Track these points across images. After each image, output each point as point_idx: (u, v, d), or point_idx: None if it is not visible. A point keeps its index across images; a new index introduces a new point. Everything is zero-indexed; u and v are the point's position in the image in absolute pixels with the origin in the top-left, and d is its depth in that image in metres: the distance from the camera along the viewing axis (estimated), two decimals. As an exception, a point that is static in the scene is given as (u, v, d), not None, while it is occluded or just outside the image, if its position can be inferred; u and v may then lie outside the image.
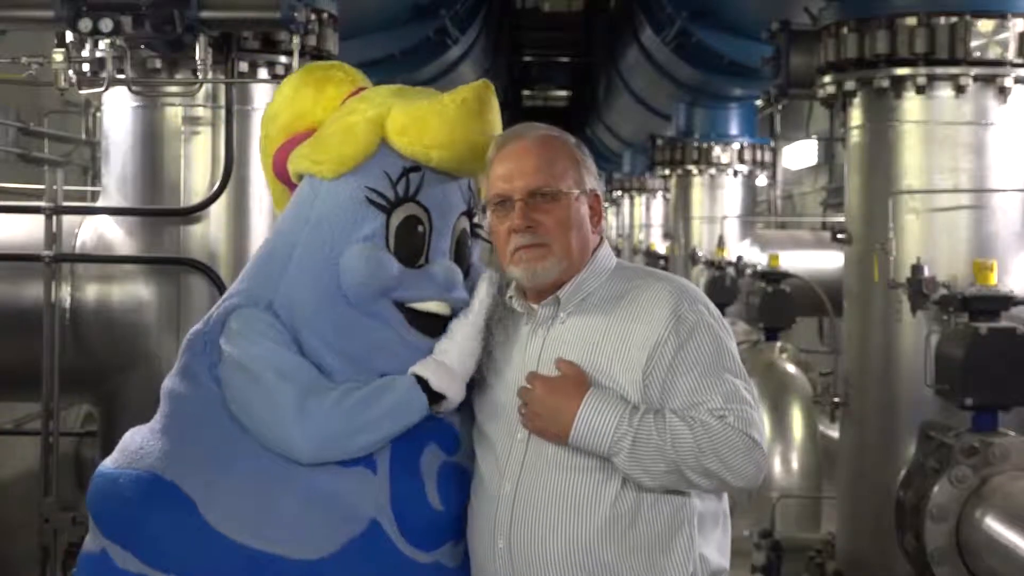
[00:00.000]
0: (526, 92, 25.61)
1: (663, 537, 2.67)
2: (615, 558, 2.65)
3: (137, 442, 2.80)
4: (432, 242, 2.83)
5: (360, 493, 2.69)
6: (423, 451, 2.78)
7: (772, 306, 9.00)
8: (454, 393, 2.76)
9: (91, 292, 5.08)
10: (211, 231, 5.03)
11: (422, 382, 2.73)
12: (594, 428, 2.62)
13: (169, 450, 2.73)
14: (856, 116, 5.71)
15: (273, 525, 2.65)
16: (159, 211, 5.07)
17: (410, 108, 2.81)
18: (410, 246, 2.81)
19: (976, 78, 5.32)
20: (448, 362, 2.76)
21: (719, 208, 11.42)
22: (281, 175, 2.98)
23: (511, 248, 2.76)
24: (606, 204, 16.42)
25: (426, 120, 2.78)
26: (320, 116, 2.91)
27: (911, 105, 5.45)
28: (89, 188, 7.23)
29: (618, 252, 18.64)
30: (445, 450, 2.82)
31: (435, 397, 2.74)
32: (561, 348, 2.73)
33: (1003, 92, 5.34)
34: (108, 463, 2.82)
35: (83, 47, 4.94)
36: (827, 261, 8.94)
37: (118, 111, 5.15)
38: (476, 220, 2.97)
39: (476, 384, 2.87)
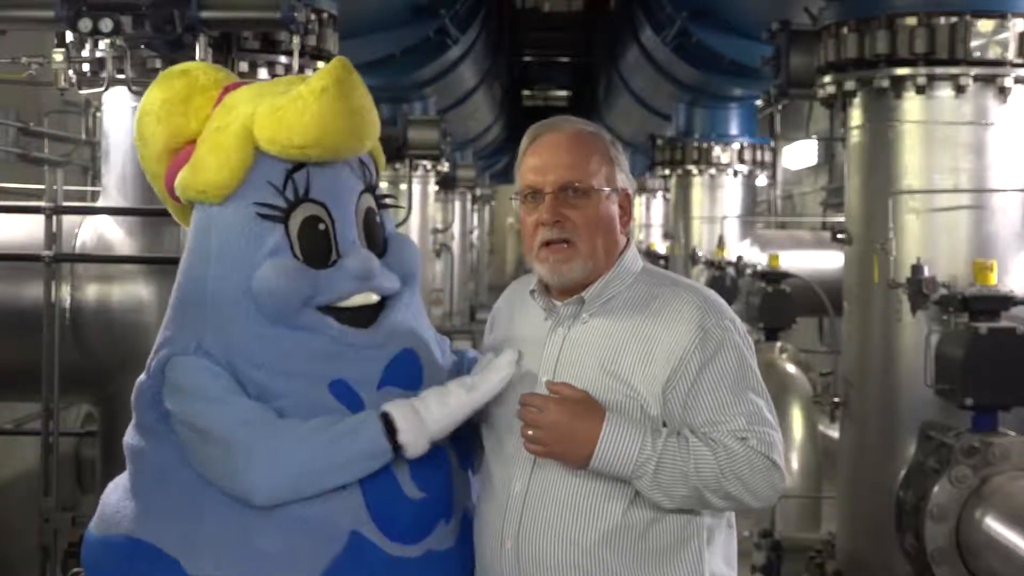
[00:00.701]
0: (526, 92, 25.63)
1: (672, 549, 2.64)
2: (622, 567, 2.62)
3: (113, 504, 2.77)
4: (338, 235, 2.74)
5: (335, 510, 2.64)
6: None
7: (772, 306, 8.99)
8: (415, 451, 2.65)
9: (91, 292, 5.08)
10: (211, 231, 5.02)
11: (390, 424, 2.64)
12: (617, 453, 2.56)
13: (141, 510, 2.70)
14: (856, 116, 5.71)
15: (256, 563, 2.61)
16: (159, 211, 5.04)
17: (272, 113, 2.69)
18: (317, 247, 2.72)
19: (976, 78, 5.32)
20: (425, 417, 2.66)
21: (719, 208, 11.41)
22: (174, 193, 2.86)
23: (538, 242, 2.71)
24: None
25: (290, 122, 2.67)
26: (195, 128, 2.80)
27: (911, 105, 5.45)
28: (89, 188, 7.23)
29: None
30: None
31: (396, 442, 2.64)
32: (581, 349, 2.69)
33: (1003, 92, 5.33)
34: (92, 528, 2.80)
35: (83, 47, 4.94)
36: (827, 261, 8.94)
37: (118, 111, 5.15)
38: (379, 191, 2.88)
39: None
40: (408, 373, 2.78)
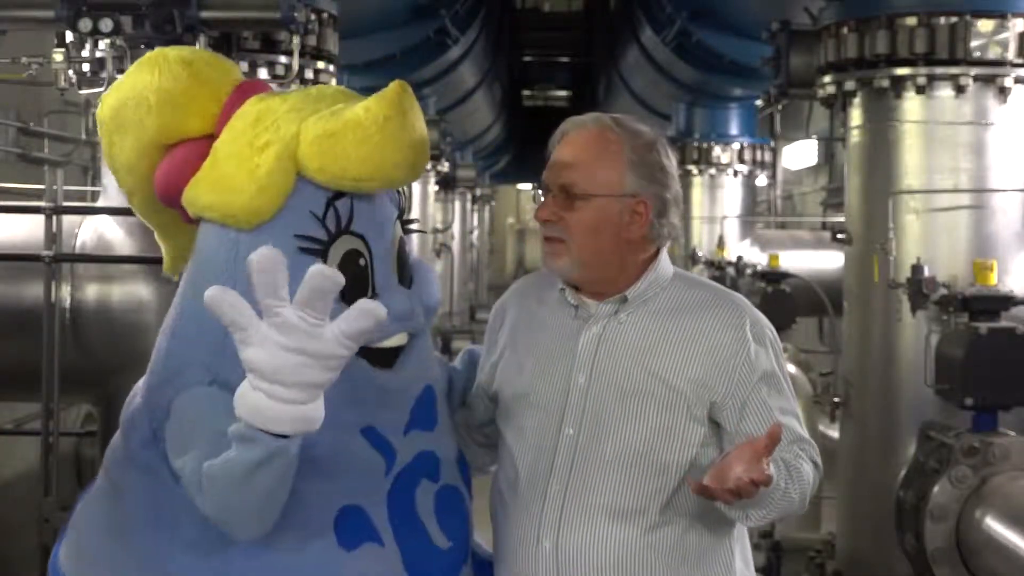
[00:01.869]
0: (526, 92, 25.63)
1: (709, 547, 2.65)
2: (664, 566, 2.61)
3: (92, 547, 2.53)
4: (376, 271, 2.49)
5: (375, 571, 2.46)
6: (415, 493, 2.58)
7: (772, 306, 8.97)
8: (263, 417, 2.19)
9: (91, 292, 5.08)
10: (211, 231, 5.01)
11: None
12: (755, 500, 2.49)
13: (141, 558, 2.43)
14: (856, 116, 5.71)
15: None
16: (159, 211, 5.05)
17: (324, 139, 2.40)
18: (356, 284, 2.42)
19: (976, 78, 5.32)
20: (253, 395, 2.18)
21: (719, 208, 11.41)
22: (169, 199, 2.53)
23: (541, 234, 2.73)
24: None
25: (347, 152, 2.39)
26: (196, 125, 2.51)
27: (911, 105, 5.45)
28: (89, 188, 7.23)
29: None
30: (432, 479, 2.62)
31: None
32: (620, 347, 2.67)
33: (1003, 92, 5.34)
34: (66, 548, 2.56)
35: (83, 47, 4.93)
36: (827, 261, 8.94)
37: (118, 111, 5.13)
38: (406, 216, 2.67)
39: (507, 371, 2.78)
40: (428, 412, 2.65)
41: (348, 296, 2.33)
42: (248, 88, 2.57)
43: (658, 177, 2.68)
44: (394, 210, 2.58)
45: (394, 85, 2.42)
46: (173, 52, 2.55)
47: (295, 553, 2.42)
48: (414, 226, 2.70)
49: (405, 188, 2.67)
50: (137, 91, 2.50)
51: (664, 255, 2.76)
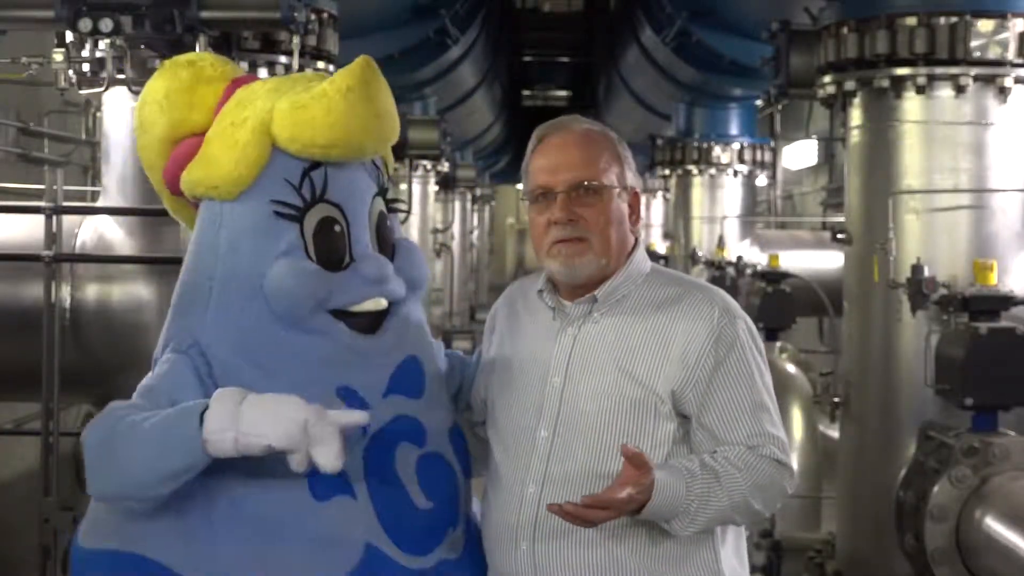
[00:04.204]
0: (526, 92, 25.62)
1: (689, 548, 2.65)
2: (640, 567, 2.63)
3: (102, 512, 2.65)
4: (353, 238, 2.68)
5: (347, 522, 2.59)
6: (395, 454, 2.68)
7: (772, 306, 8.98)
8: (215, 450, 2.44)
9: (91, 292, 5.08)
10: (211, 231, 5.02)
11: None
12: (664, 511, 2.55)
13: (143, 522, 2.57)
14: (856, 116, 5.71)
15: None
16: (159, 211, 5.04)
17: (294, 110, 2.62)
18: (331, 249, 2.66)
19: (976, 78, 5.32)
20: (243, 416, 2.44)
21: (719, 208, 11.41)
22: (178, 191, 2.79)
23: (549, 240, 2.70)
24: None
25: (314, 121, 2.61)
26: (199, 119, 2.73)
27: (911, 105, 5.44)
28: (89, 188, 7.23)
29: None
30: (416, 443, 2.72)
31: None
32: (594, 349, 2.69)
33: (1003, 92, 5.33)
34: (82, 540, 2.66)
35: (83, 47, 4.94)
36: (827, 261, 8.93)
37: (118, 111, 5.14)
38: (390, 195, 2.83)
39: (492, 374, 2.82)
40: (413, 381, 2.75)
41: (324, 261, 2.63)
42: (241, 82, 2.80)
43: (635, 170, 2.79)
44: (373, 185, 2.76)
45: (358, 59, 2.66)
46: (182, 57, 2.83)
47: (269, 504, 2.56)
48: (398, 206, 2.84)
49: (388, 168, 2.83)
50: (152, 95, 2.77)
51: (641, 249, 2.80)
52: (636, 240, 2.80)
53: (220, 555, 2.55)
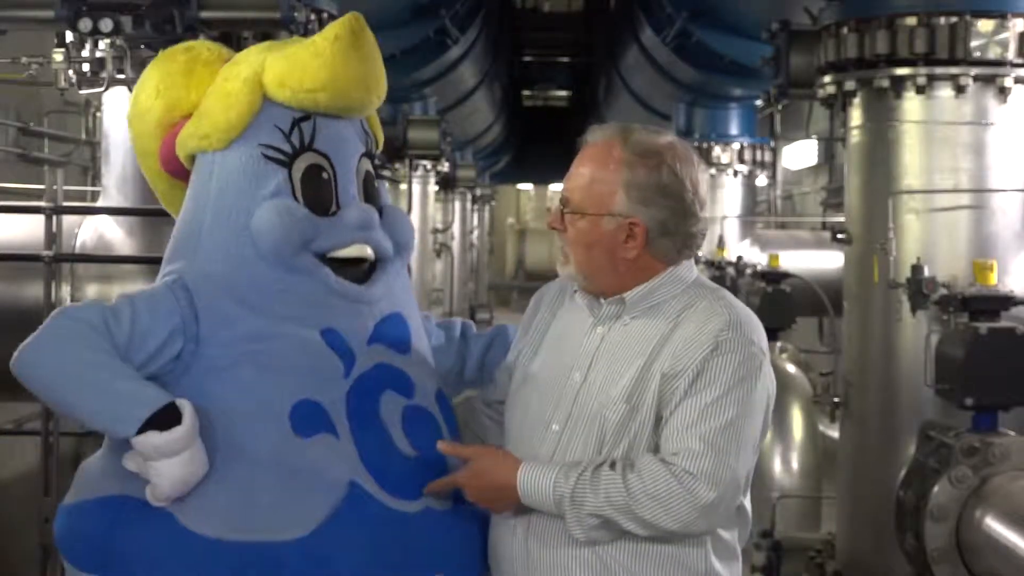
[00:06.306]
0: (526, 92, 25.60)
1: (675, 548, 2.65)
2: (621, 567, 2.64)
3: (94, 471, 2.72)
4: (340, 187, 2.80)
5: (330, 459, 2.64)
6: (380, 400, 2.74)
7: (772, 306, 8.97)
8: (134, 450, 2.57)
9: (91, 292, 5.08)
10: (211, 231, 5.02)
11: (171, 416, 2.57)
12: (538, 496, 2.61)
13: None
14: (856, 116, 5.71)
15: (252, 513, 2.59)
16: (159, 211, 5.04)
17: (284, 57, 2.75)
18: (318, 195, 2.77)
19: (976, 78, 5.32)
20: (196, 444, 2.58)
21: (719, 208, 11.40)
22: (174, 169, 2.89)
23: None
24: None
25: (303, 65, 2.73)
26: (195, 100, 2.83)
27: (911, 105, 5.44)
28: (89, 188, 7.23)
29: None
30: (403, 394, 2.78)
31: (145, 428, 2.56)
32: (617, 350, 2.70)
33: (1003, 92, 5.33)
34: (67, 499, 2.72)
35: (83, 47, 4.94)
36: (827, 261, 8.93)
37: (118, 111, 5.14)
38: (388, 198, 2.94)
39: (523, 357, 2.85)
40: (397, 335, 2.84)
41: (312, 205, 2.73)
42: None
43: (656, 200, 2.66)
44: (359, 144, 2.86)
45: (348, 14, 2.74)
46: (179, 45, 2.94)
47: (254, 438, 2.62)
48: (388, 173, 2.87)
49: (379, 140, 2.94)
50: (148, 82, 2.87)
51: (687, 262, 2.75)
52: (659, 263, 2.71)
53: (201, 488, 2.60)
